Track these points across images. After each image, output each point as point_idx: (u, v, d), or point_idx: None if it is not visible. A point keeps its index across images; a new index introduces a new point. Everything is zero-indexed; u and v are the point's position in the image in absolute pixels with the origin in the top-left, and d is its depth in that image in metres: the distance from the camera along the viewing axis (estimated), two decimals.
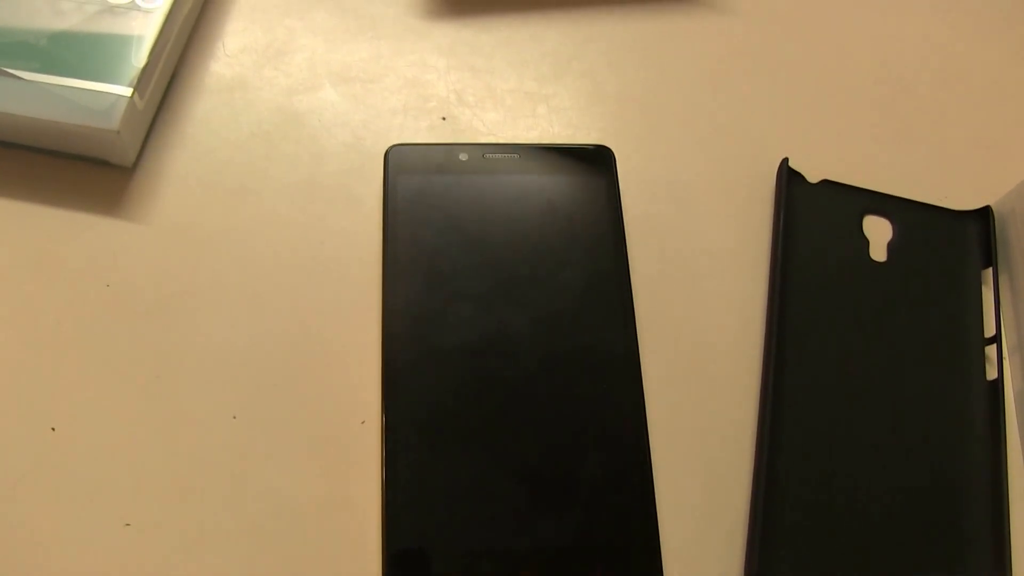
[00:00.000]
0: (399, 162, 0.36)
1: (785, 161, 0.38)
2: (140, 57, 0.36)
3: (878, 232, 0.38)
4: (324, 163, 0.37)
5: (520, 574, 0.29)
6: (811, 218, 0.37)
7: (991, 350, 0.36)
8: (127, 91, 0.35)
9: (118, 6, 0.37)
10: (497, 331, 0.33)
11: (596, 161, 0.37)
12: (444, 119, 0.39)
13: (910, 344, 0.35)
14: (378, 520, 0.31)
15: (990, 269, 0.37)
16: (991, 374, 0.35)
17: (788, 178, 0.38)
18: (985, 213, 0.39)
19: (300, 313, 0.34)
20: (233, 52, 0.40)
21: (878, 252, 0.37)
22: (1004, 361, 0.36)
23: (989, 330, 0.36)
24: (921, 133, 0.41)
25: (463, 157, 0.36)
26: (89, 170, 0.36)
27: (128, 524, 0.30)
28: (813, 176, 0.39)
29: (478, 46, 0.41)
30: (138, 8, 0.37)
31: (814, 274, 0.36)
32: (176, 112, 0.38)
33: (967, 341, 0.36)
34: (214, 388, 0.32)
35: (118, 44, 0.36)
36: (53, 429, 0.31)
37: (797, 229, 0.37)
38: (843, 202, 0.38)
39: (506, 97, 0.40)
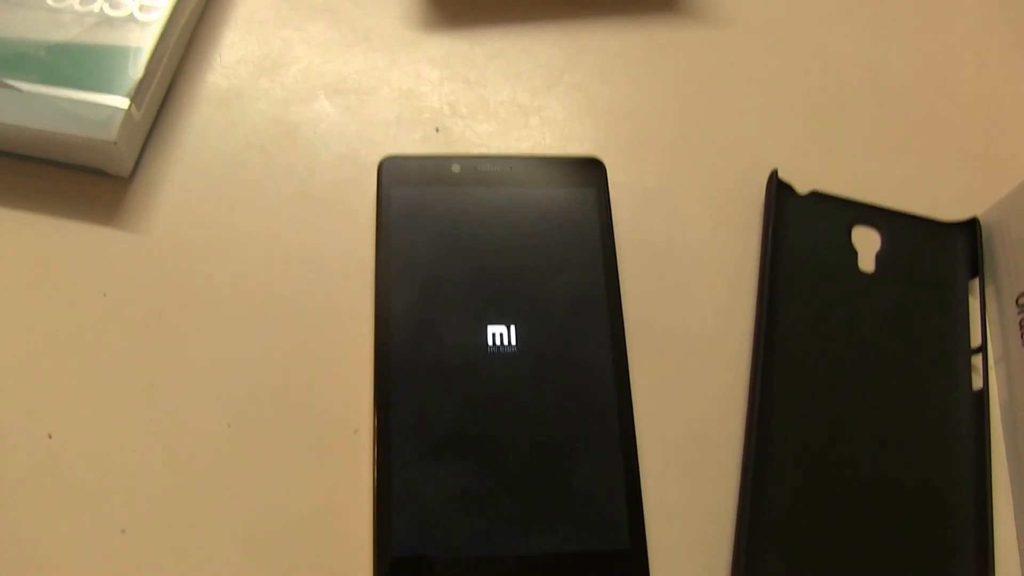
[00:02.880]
0: (392, 173, 0.36)
1: (774, 173, 0.39)
2: (137, 69, 0.36)
3: (867, 243, 0.38)
4: (318, 174, 0.38)
5: None
6: (800, 229, 0.38)
7: (977, 360, 0.36)
8: (124, 102, 0.35)
9: (116, 18, 0.37)
10: (488, 341, 0.33)
11: (587, 172, 0.38)
12: (437, 130, 0.40)
13: (897, 354, 0.36)
14: (370, 527, 0.31)
15: (976, 280, 0.38)
16: (977, 384, 0.36)
17: (777, 189, 0.38)
18: (972, 224, 0.39)
19: (294, 322, 0.34)
20: (229, 63, 0.40)
21: (866, 263, 0.37)
22: (990, 371, 0.36)
23: (975, 340, 0.36)
24: (910, 145, 0.42)
25: (456, 168, 0.37)
26: (86, 180, 0.37)
27: (124, 531, 0.30)
28: (802, 187, 0.39)
29: (471, 58, 0.42)
30: (135, 20, 0.37)
31: (803, 284, 0.37)
32: (173, 123, 0.38)
33: (954, 351, 0.36)
34: (209, 397, 0.33)
35: (116, 56, 0.36)
36: (50, 436, 0.32)
37: (786, 240, 0.37)
38: (832, 213, 0.38)
39: (499, 109, 0.40)
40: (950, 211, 0.40)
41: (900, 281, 0.37)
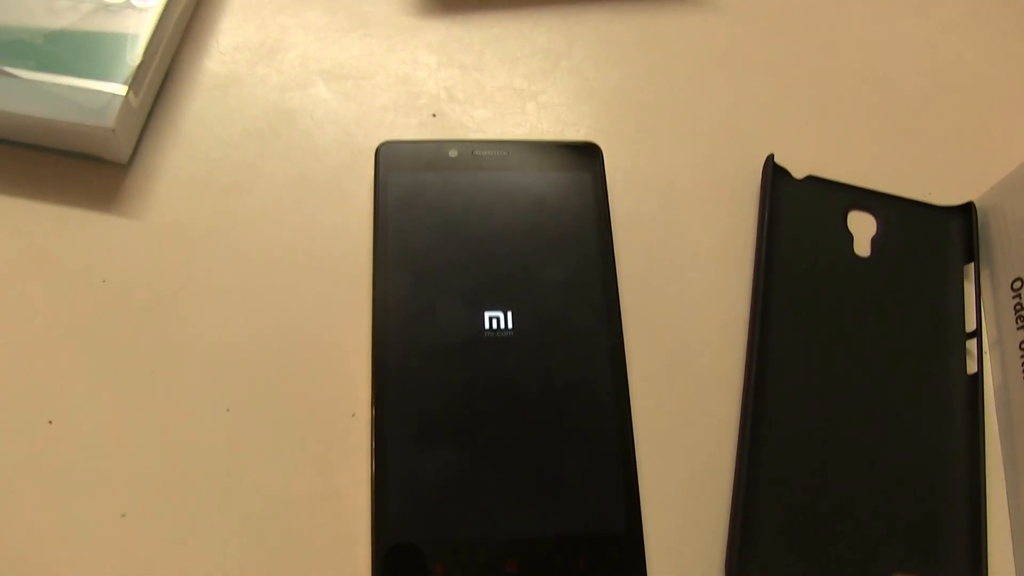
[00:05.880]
0: (390, 159, 0.37)
1: (771, 157, 0.39)
2: (135, 55, 0.36)
3: (862, 228, 0.38)
4: (316, 160, 0.38)
5: (506, 564, 0.30)
6: (796, 214, 0.38)
7: (972, 344, 0.36)
8: (122, 89, 0.35)
9: (113, 4, 0.37)
10: (485, 325, 0.34)
11: (584, 157, 0.38)
12: (434, 116, 0.40)
13: (892, 339, 0.36)
14: (368, 511, 0.31)
15: (972, 264, 0.38)
16: (971, 368, 0.36)
17: (774, 174, 0.38)
18: (968, 209, 0.39)
19: (292, 308, 0.35)
20: (226, 50, 0.40)
21: (862, 247, 0.38)
22: (984, 355, 0.36)
23: (970, 324, 0.37)
24: (906, 129, 0.42)
25: (453, 153, 0.37)
26: (84, 167, 0.37)
27: (123, 515, 0.31)
28: (798, 172, 0.39)
29: (468, 43, 0.42)
30: (133, 6, 0.37)
31: (798, 269, 0.37)
32: (170, 109, 0.39)
33: (948, 335, 0.36)
34: (208, 382, 0.33)
35: (113, 42, 0.36)
36: (50, 422, 0.32)
37: (782, 225, 0.38)
38: (828, 198, 0.39)
39: (495, 94, 0.40)
40: (946, 195, 0.40)
41: (896, 266, 0.37)
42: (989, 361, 0.37)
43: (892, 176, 0.40)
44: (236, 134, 0.38)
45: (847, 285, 0.37)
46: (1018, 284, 0.36)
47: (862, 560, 0.32)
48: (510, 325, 0.34)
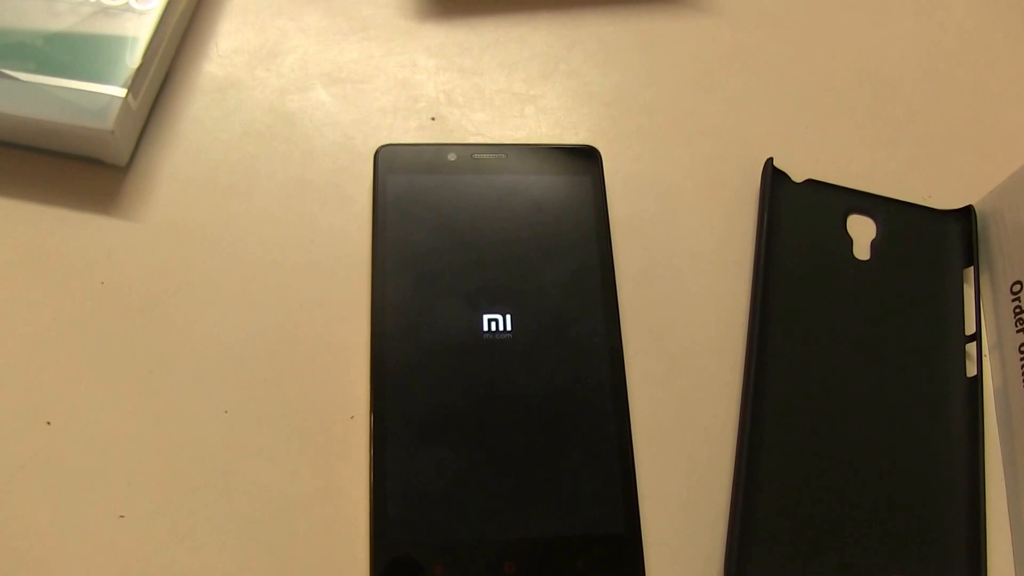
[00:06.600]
0: (389, 162, 0.37)
1: (770, 161, 0.39)
2: (134, 58, 0.36)
3: (862, 231, 0.38)
4: (315, 162, 0.38)
5: (505, 565, 0.30)
6: (795, 217, 0.38)
7: (971, 347, 0.36)
8: (121, 91, 0.35)
9: (113, 7, 0.37)
10: (484, 328, 0.33)
11: (583, 161, 0.38)
12: (433, 119, 0.40)
13: (892, 342, 0.36)
14: (366, 512, 0.31)
15: (971, 268, 0.38)
16: (971, 371, 0.36)
17: (773, 177, 0.38)
18: (967, 212, 0.39)
19: (291, 310, 0.35)
20: (226, 52, 0.40)
21: (861, 251, 0.38)
22: (984, 358, 0.36)
23: (970, 328, 0.37)
24: (905, 133, 0.42)
25: (452, 157, 0.37)
26: (84, 169, 0.37)
27: (122, 516, 0.30)
28: (798, 176, 0.39)
29: (467, 47, 0.42)
30: (132, 9, 0.37)
31: (798, 272, 0.37)
32: (169, 112, 0.39)
33: (948, 338, 0.36)
34: (206, 383, 0.33)
35: (113, 45, 0.36)
36: (48, 423, 0.32)
37: (781, 228, 0.38)
38: (827, 201, 0.39)
39: (494, 98, 0.40)
40: (945, 199, 0.40)
41: (895, 269, 0.37)
42: (989, 364, 0.37)
43: (891, 179, 0.40)
44: (235, 137, 0.38)
45: (846, 288, 0.37)
46: (1017, 287, 0.36)
47: (862, 562, 0.31)
48: (509, 327, 0.34)
